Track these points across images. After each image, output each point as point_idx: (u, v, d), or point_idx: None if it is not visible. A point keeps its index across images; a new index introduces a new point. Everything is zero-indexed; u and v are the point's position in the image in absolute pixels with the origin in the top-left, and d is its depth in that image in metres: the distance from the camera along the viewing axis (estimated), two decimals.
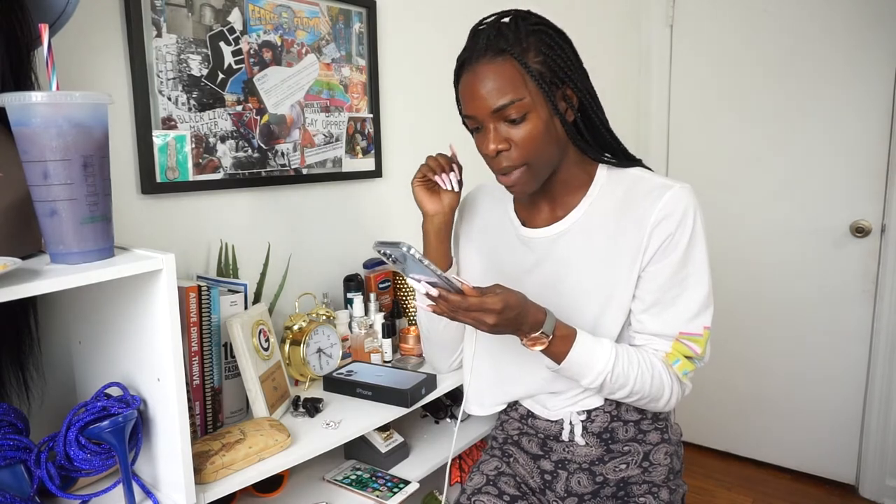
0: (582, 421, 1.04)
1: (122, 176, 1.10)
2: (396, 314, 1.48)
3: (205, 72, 1.19)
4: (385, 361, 1.35)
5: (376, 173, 1.57)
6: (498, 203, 1.11)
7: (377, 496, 1.14)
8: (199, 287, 1.01)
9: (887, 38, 1.97)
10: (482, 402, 1.13)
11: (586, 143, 0.97)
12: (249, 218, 1.32)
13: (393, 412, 1.14)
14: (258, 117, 1.29)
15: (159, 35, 1.12)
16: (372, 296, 1.42)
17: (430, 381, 1.21)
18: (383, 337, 1.35)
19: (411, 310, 1.48)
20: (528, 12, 0.93)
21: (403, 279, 1.49)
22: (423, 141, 1.69)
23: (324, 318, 1.29)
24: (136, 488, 0.84)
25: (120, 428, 0.78)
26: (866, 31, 2.00)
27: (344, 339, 1.34)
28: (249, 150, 1.29)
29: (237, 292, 1.11)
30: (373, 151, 1.56)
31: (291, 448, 0.99)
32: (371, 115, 1.54)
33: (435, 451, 1.32)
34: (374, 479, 1.20)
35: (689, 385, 1.01)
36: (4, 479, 0.77)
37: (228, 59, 1.23)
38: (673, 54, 2.43)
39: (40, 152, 0.69)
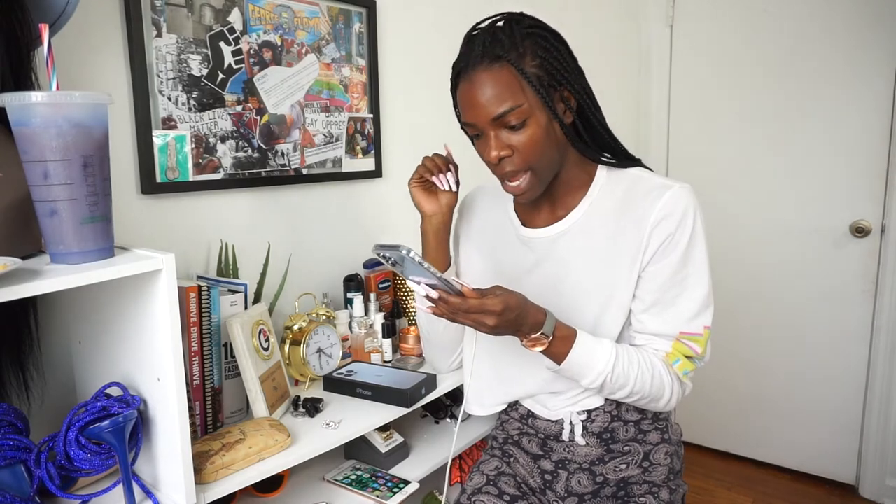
0: (582, 421, 1.04)
1: (122, 176, 1.10)
2: (396, 314, 1.48)
3: (205, 72, 1.19)
4: (385, 361, 1.35)
5: (376, 173, 1.57)
6: (498, 203, 1.11)
7: (377, 496, 1.14)
8: (199, 287, 1.01)
9: (887, 37, 1.97)
10: (482, 403, 1.14)
11: (585, 144, 0.97)
12: (249, 218, 1.32)
13: (393, 412, 1.14)
14: (258, 117, 1.29)
15: (159, 35, 1.12)
16: (372, 296, 1.42)
17: (430, 381, 1.21)
18: (383, 337, 1.35)
19: (411, 310, 1.48)
20: (522, 14, 0.93)
21: (403, 279, 1.49)
22: (423, 141, 1.69)
23: (324, 318, 1.29)
24: (136, 488, 0.84)
25: (120, 428, 0.78)
26: (866, 31, 2.00)
27: (344, 339, 1.34)
28: (249, 150, 1.29)
29: (237, 292, 1.11)
30: (373, 151, 1.56)
31: (291, 448, 0.99)
32: (371, 115, 1.54)
33: (435, 451, 1.32)
34: (374, 479, 1.20)
35: (690, 385, 1.01)
36: (4, 479, 0.77)
37: (228, 59, 1.23)
38: (673, 54, 2.43)
39: (40, 152, 0.69)
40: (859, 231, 2.08)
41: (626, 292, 0.97)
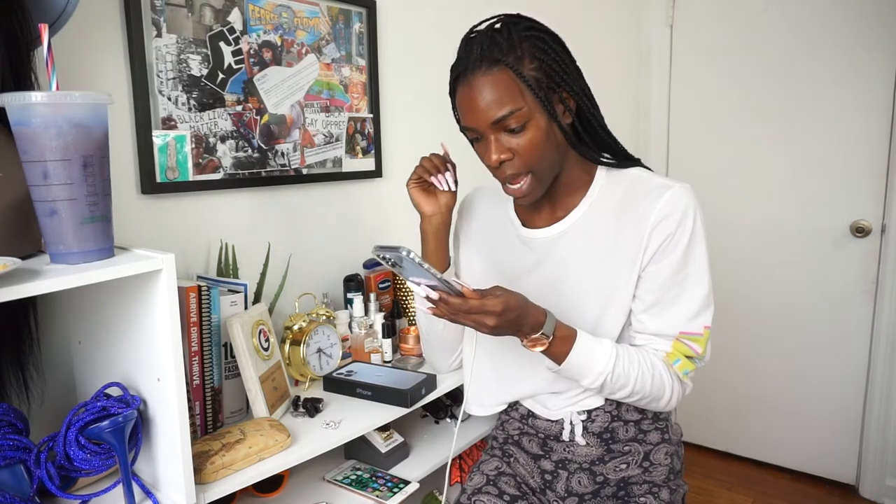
0: (582, 421, 1.04)
1: (122, 176, 1.10)
2: (396, 314, 1.48)
3: (205, 72, 1.19)
4: (385, 361, 1.35)
5: (376, 173, 1.57)
6: (497, 204, 1.11)
7: (377, 496, 1.14)
8: (199, 287, 1.01)
9: (887, 37, 1.97)
10: (482, 403, 1.14)
11: (585, 145, 0.97)
12: (249, 218, 1.32)
13: (393, 412, 1.14)
14: (258, 117, 1.29)
15: (159, 35, 1.12)
16: (372, 296, 1.42)
17: (430, 381, 1.21)
18: (383, 337, 1.35)
19: (411, 310, 1.48)
20: (519, 16, 0.92)
21: (403, 280, 1.49)
22: (423, 141, 1.69)
23: (324, 318, 1.29)
24: (135, 488, 0.84)
25: (120, 428, 0.78)
26: (866, 31, 2.00)
27: (344, 339, 1.34)
28: (249, 150, 1.29)
29: (237, 292, 1.11)
30: (373, 151, 1.56)
31: (291, 448, 0.99)
32: (371, 115, 1.54)
33: (435, 451, 1.32)
34: (374, 479, 1.20)
35: (690, 385, 1.01)
36: (4, 479, 0.77)
37: (228, 59, 1.23)
38: (673, 54, 2.43)
39: (40, 152, 0.69)
40: (859, 231, 2.08)
41: (627, 292, 0.97)
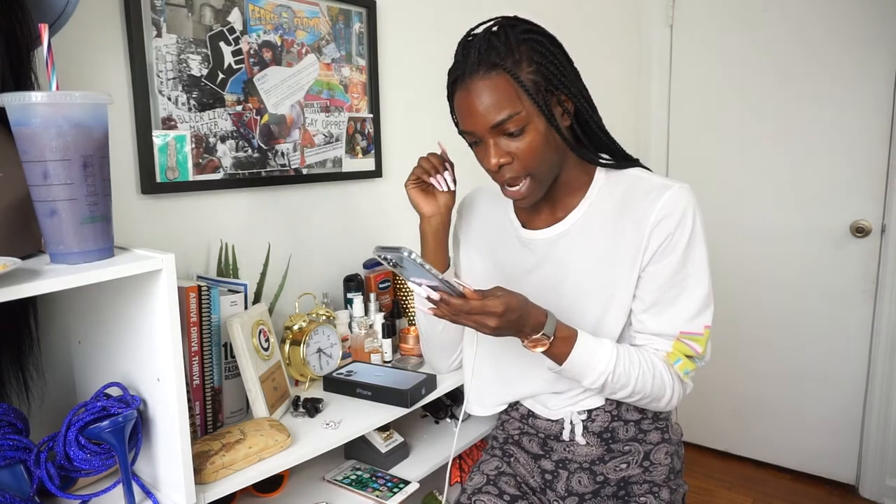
0: (582, 420, 1.04)
1: (122, 176, 1.10)
2: (396, 314, 1.48)
3: (205, 72, 1.19)
4: (385, 361, 1.35)
5: (376, 173, 1.57)
6: (497, 204, 1.11)
7: (377, 496, 1.14)
8: (199, 287, 1.01)
9: (888, 37, 1.97)
10: (483, 403, 1.14)
11: (583, 147, 0.97)
12: (249, 218, 1.32)
13: (393, 412, 1.14)
14: (258, 117, 1.29)
15: (159, 35, 1.12)
16: (372, 296, 1.42)
17: (430, 382, 1.21)
18: (383, 337, 1.35)
19: (411, 310, 1.48)
20: (516, 18, 0.92)
21: (403, 280, 1.49)
22: (423, 141, 1.69)
23: (324, 318, 1.29)
24: (135, 488, 0.84)
25: (120, 428, 0.78)
26: (866, 32, 2.00)
27: (344, 339, 1.34)
28: (249, 150, 1.29)
29: (237, 292, 1.11)
30: (373, 151, 1.56)
31: (291, 448, 0.99)
32: (371, 115, 1.54)
33: (435, 451, 1.32)
34: (374, 479, 1.20)
35: (690, 384, 1.01)
36: (4, 479, 0.77)
37: (228, 59, 1.23)
38: (673, 54, 2.43)
39: (40, 152, 0.69)
40: (859, 231, 2.08)
41: (627, 292, 0.97)
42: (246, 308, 1.12)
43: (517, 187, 0.94)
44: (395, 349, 1.41)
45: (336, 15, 1.44)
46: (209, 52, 1.20)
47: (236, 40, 1.24)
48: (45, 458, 0.79)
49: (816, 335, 2.22)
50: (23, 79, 0.82)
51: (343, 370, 1.25)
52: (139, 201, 1.14)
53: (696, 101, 2.39)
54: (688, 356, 0.95)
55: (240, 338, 1.04)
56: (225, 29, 1.22)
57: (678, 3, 2.38)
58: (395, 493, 1.15)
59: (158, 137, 1.14)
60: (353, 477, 1.21)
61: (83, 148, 0.70)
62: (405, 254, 0.78)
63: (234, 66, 1.24)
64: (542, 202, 1.03)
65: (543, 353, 0.92)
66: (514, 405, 1.14)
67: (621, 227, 0.96)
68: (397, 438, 1.29)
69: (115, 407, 0.80)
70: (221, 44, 1.22)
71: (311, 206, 1.44)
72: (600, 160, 1.00)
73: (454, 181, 1.05)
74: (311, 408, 1.11)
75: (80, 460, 0.79)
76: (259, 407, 1.05)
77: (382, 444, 1.25)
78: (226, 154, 1.25)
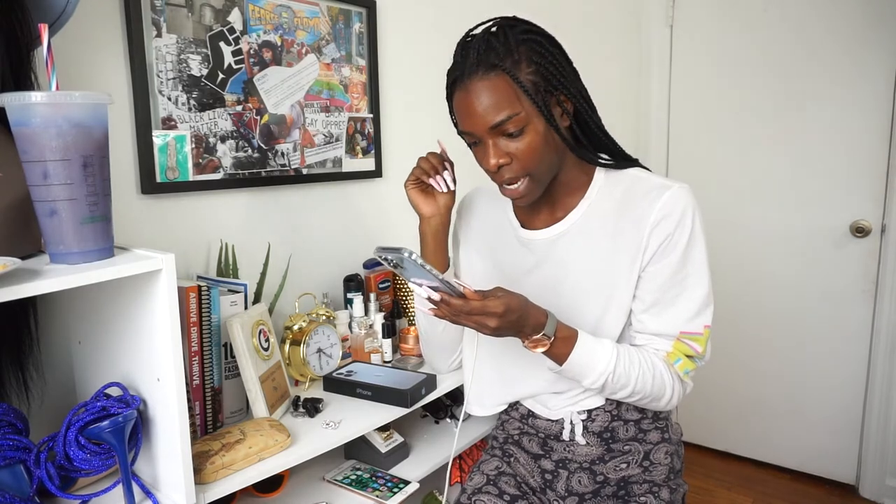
0: (582, 420, 1.04)
1: (122, 176, 1.10)
2: (396, 314, 1.48)
3: (205, 72, 1.19)
4: (385, 361, 1.35)
5: (376, 173, 1.57)
6: (497, 205, 1.11)
7: (377, 496, 1.14)
8: (199, 287, 1.01)
9: (888, 37, 1.97)
10: (484, 403, 1.14)
11: (583, 147, 0.97)
12: (249, 218, 1.32)
13: (393, 412, 1.14)
14: (258, 117, 1.29)
15: (159, 35, 1.12)
16: (372, 296, 1.42)
17: (430, 382, 1.21)
18: (383, 337, 1.35)
19: (411, 310, 1.48)
20: (515, 19, 0.92)
21: (403, 280, 1.49)
22: (423, 141, 1.69)
23: (324, 318, 1.29)
24: (135, 488, 0.84)
25: (120, 428, 0.78)
26: (866, 32, 2.00)
27: (344, 339, 1.34)
28: (249, 150, 1.29)
29: (237, 292, 1.11)
30: (373, 151, 1.56)
31: (291, 448, 0.99)
32: (371, 115, 1.54)
33: (435, 451, 1.32)
34: (374, 479, 1.20)
35: (690, 384, 1.01)
36: (4, 479, 0.77)
37: (228, 59, 1.23)
38: (673, 54, 2.43)
39: (40, 152, 0.69)
40: (859, 231, 2.07)
41: (626, 293, 0.97)
42: (246, 308, 1.12)
43: (515, 186, 0.94)
44: (395, 349, 1.41)
45: (336, 15, 1.44)
46: (209, 52, 1.20)
47: (236, 40, 1.24)
48: (45, 458, 0.79)
49: (816, 335, 2.22)
50: (23, 79, 0.82)
51: (343, 370, 1.25)
52: (139, 201, 1.14)
53: (696, 101, 2.39)
54: (688, 356, 0.95)
55: (240, 338, 1.04)
56: (225, 29, 1.22)
57: (678, 3, 2.38)
58: (395, 493, 1.15)
59: (158, 137, 1.14)
60: (353, 477, 1.21)
61: (83, 148, 0.70)
62: (406, 254, 0.78)
63: (234, 66, 1.24)
64: (542, 202, 1.03)
65: (544, 353, 0.92)
66: (514, 405, 1.14)
67: (621, 227, 0.96)
68: (397, 438, 1.29)
69: (115, 407, 0.80)
70: (221, 44, 1.22)
71: (311, 206, 1.44)
72: (600, 160, 1.00)
73: (454, 181, 1.05)
74: (311, 408, 1.11)
75: (80, 460, 0.79)
76: (259, 407, 1.05)
77: (382, 444, 1.25)
78: (226, 154, 1.25)
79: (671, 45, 2.42)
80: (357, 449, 1.27)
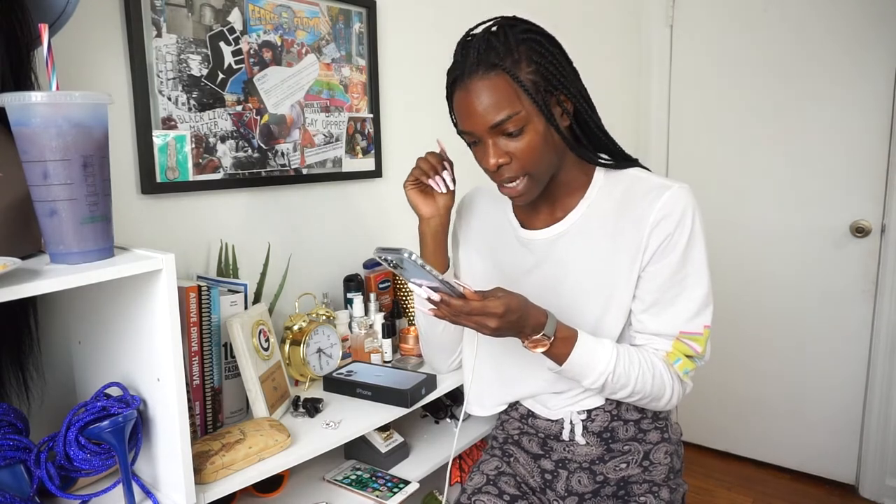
0: (582, 420, 1.04)
1: (122, 176, 1.10)
2: (396, 314, 1.48)
3: (205, 72, 1.19)
4: (385, 361, 1.35)
5: (376, 173, 1.57)
6: (496, 204, 1.11)
7: (377, 496, 1.14)
8: (199, 287, 1.01)
9: (888, 37, 1.97)
10: (483, 403, 1.14)
11: (582, 147, 0.97)
12: (249, 218, 1.32)
13: (393, 412, 1.14)
14: (258, 117, 1.29)
15: (159, 35, 1.12)
16: (372, 296, 1.42)
17: (430, 382, 1.21)
18: (383, 337, 1.35)
19: (411, 310, 1.48)
20: (515, 18, 0.92)
21: (403, 280, 1.49)
22: (423, 141, 1.69)
23: (324, 318, 1.29)
24: (135, 488, 0.84)
25: (120, 428, 0.78)
26: (866, 31, 2.00)
27: (344, 339, 1.34)
28: (249, 150, 1.29)
29: (237, 292, 1.11)
30: (373, 151, 1.56)
31: (291, 448, 0.99)
32: (371, 115, 1.54)
33: (435, 451, 1.32)
34: (374, 479, 1.20)
35: (690, 384, 1.01)
36: (4, 479, 0.77)
37: (228, 59, 1.23)
38: (673, 54, 2.43)
39: (40, 152, 0.69)
40: (859, 231, 2.07)
41: (626, 292, 0.97)
42: (246, 308, 1.12)
43: (514, 185, 0.94)
44: (395, 349, 1.41)
45: (336, 15, 1.44)
46: (209, 52, 1.20)
47: (236, 40, 1.24)
48: (45, 458, 0.79)
49: (816, 335, 2.22)
50: (23, 79, 0.82)
51: (343, 370, 1.25)
52: (139, 201, 1.14)
53: (696, 101, 2.39)
54: (687, 356, 0.95)
55: (240, 338, 1.04)
56: (225, 29, 1.22)
57: (678, 3, 2.38)
58: (395, 493, 1.15)
59: (158, 137, 1.14)
60: (353, 477, 1.21)
61: (83, 148, 0.70)
62: (405, 255, 0.78)
63: (234, 66, 1.24)
64: (542, 202, 1.03)
65: (544, 353, 0.92)
66: (514, 405, 1.14)
67: (621, 227, 0.96)
68: (397, 438, 1.29)
69: (115, 407, 0.80)
70: (221, 44, 1.22)
71: (311, 206, 1.44)
72: (600, 160, 1.00)
73: (453, 180, 1.04)
74: (311, 408, 1.11)
75: (80, 460, 0.79)
76: (259, 407, 1.05)
77: (382, 444, 1.25)
78: (226, 154, 1.25)
79: (671, 45, 2.42)
80: (357, 449, 1.27)
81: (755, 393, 2.38)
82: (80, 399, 0.99)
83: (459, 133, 0.95)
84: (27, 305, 0.92)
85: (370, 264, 1.51)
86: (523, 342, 0.92)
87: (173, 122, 1.16)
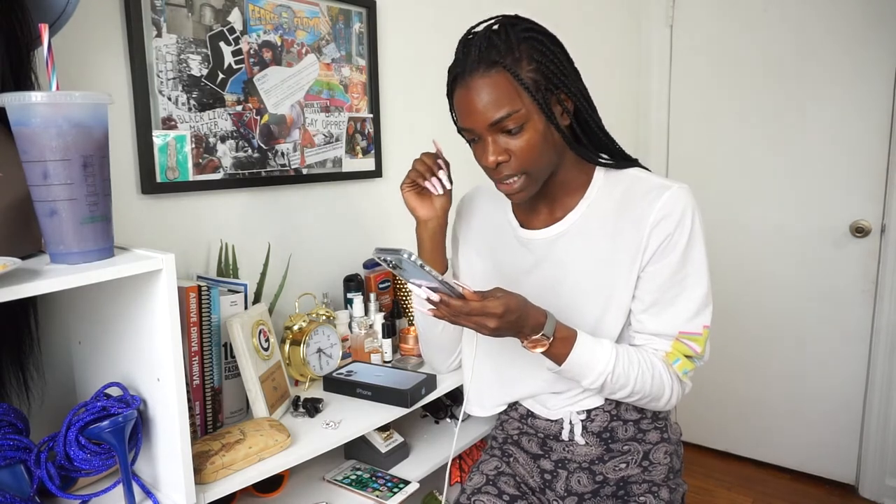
0: (582, 420, 1.04)
1: (122, 176, 1.10)
2: (396, 314, 1.48)
3: (205, 72, 1.20)
4: (385, 361, 1.35)
5: (376, 173, 1.57)
6: (496, 204, 1.11)
7: (377, 496, 1.14)
8: (199, 287, 1.01)
9: (887, 37, 1.97)
10: (483, 404, 1.14)
11: (582, 147, 0.97)
12: (249, 218, 1.32)
13: (393, 412, 1.14)
14: (258, 117, 1.29)
15: (159, 35, 1.12)
16: (372, 296, 1.42)
17: (430, 382, 1.21)
18: (383, 337, 1.35)
19: (411, 310, 1.48)
20: (517, 17, 0.92)
21: (403, 280, 1.49)
22: (423, 141, 1.69)
23: (324, 318, 1.29)
24: (136, 488, 0.84)
25: (120, 428, 0.78)
26: (866, 31, 2.00)
27: (344, 339, 1.34)
28: (249, 150, 1.29)
29: (237, 292, 1.11)
30: (373, 151, 1.56)
31: (291, 448, 0.99)
32: (371, 115, 1.54)
33: (435, 451, 1.32)
34: (374, 479, 1.20)
35: (689, 384, 1.01)
36: (4, 479, 0.77)
37: (228, 59, 1.23)
38: (673, 54, 2.43)
39: (40, 152, 0.69)
40: (859, 231, 2.08)
41: (626, 293, 0.97)
42: (246, 308, 1.12)
43: (511, 181, 0.93)
44: (395, 349, 1.41)
45: (336, 15, 1.44)
46: (209, 52, 1.20)
47: (236, 40, 1.24)
48: (46, 458, 0.79)
49: (816, 335, 2.22)
50: (23, 79, 0.82)
51: (343, 370, 1.25)
52: (139, 201, 1.14)
53: (696, 101, 2.39)
54: (687, 356, 0.95)
55: (240, 338, 1.04)
56: (225, 29, 1.22)
57: (678, 3, 2.38)
58: (395, 493, 1.15)
59: (158, 137, 1.14)
60: (353, 477, 1.21)
61: (83, 148, 0.70)
62: (404, 255, 0.78)
63: (234, 66, 1.24)
64: (541, 202, 1.03)
65: (543, 353, 0.92)
66: (514, 405, 1.14)
67: (620, 227, 0.96)
68: (397, 438, 1.29)
69: (115, 407, 0.80)
70: (221, 44, 1.22)
71: (311, 207, 1.44)
72: (599, 160, 1.00)
73: (450, 181, 1.03)
74: (311, 408, 1.11)
75: (81, 460, 0.79)
76: (259, 407, 1.05)
77: (382, 444, 1.25)
78: (226, 154, 1.25)
79: (671, 45, 2.42)
80: (357, 449, 1.27)
81: (755, 393, 2.38)
82: (80, 399, 0.99)
83: (459, 131, 0.95)
84: (27, 305, 0.92)
85: (370, 264, 1.51)
86: (522, 342, 0.92)
87: (173, 122, 1.16)
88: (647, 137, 2.51)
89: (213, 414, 1.05)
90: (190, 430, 0.82)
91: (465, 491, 1.07)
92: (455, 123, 0.96)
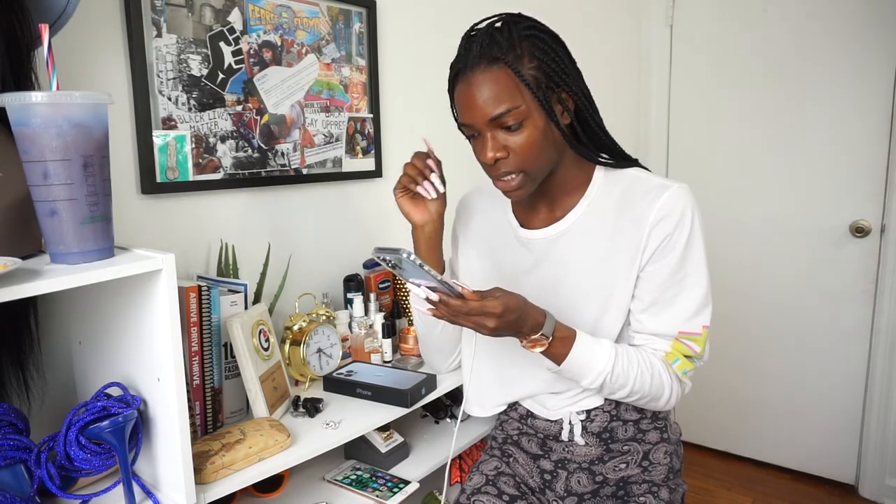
0: (581, 420, 1.04)
1: (122, 176, 1.10)
2: (396, 314, 1.48)
3: (205, 72, 1.20)
4: (385, 361, 1.35)
5: (376, 173, 1.57)
6: (496, 204, 1.11)
7: (377, 496, 1.14)
8: (199, 287, 1.01)
9: (887, 37, 1.97)
10: (482, 404, 1.14)
11: (582, 146, 0.97)
12: (250, 218, 1.32)
13: (393, 412, 1.14)
14: (258, 117, 1.29)
15: (159, 35, 1.12)
16: (372, 296, 1.42)
17: (430, 382, 1.21)
18: (383, 337, 1.35)
19: (411, 310, 1.48)
20: (520, 15, 0.92)
21: (403, 280, 1.49)
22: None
23: (324, 318, 1.29)
24: (136, 488, 0.84)
25: (120, 428, 0.78)
26: (866, 31, 2.00)
27: (344, 339, 1.34)
28: (249, 150, 1.29)
29: (237, 292, 1.11)
30: (373, 151, 1.56)
31: (291, 448, 0.99)
32: (371, 115, 1.54)
33: (435, 451, 1.32)
34: (374, 479, 1.20)
35: (689, 384, 1.01)
36: (4, 479, 0.77)
37: (228, 59, 1.23)
38: (673, 54, 2.43)
39: (40, 152, 0.69)
40: (859, 231, 2.08)
41: (625, 292, 0.97)
42: (246, 308, 1.12)
43: (508, 179, 0.93)
44: (395, 349, 1.41)
45: (336, 15, 1.44)
46: (209, 52, 1.20)
47: (236, 40, 1.24)
48: (46, 458, 0.79)
49: (816, 335, 2.22)
50: (23, 79, 0.82)
51: (343, 370, 1.25)
52: (139, 201, 1.14)
53: (696, 101, 2.39)
54: (686, 356, 0.95)
55: (240, 338, 1.04)
56: (225, 29, 1.22)
57: (678, 3, 2.38)
58: (395, 493, 1.15)
59: (158, 137, 1.14)
60: (353, 477, 1.21)
61: (83, 148, 0.70)
62: (404, 255, 0.78)
63: (234, 66, 1.24)
64: (541, 202, 1.03)
65: (542, 353, 0.92)
66: (513, 405, 1.14)
67: (620, 226, 0.96)
68: (397, 438, 1.29)
69: (115, 407, 0.80)
70: (221, 44, 1.22)
71: (312, 207, 1.45)
72: (599, 159, 1.00)
73: (443, 182, 1.00)
74: (311, 408, 1.11)
75: (81, 460, 0.79)
76: (259, 407, 1.05)
77: (382, 444, 1.25)
78: (226, 154, 1.25)
79: (671, 45, 2.42)
80: (357, 449, 1.27)
81: (755, 393, 2.38)
82: (80, 399, 0.99)
83: (459, 127, 0.95)
84: (27, 305, 0.92)
85: (370, 264, 1.51)
86: (522, 342, 0.92)
87: (173, 122, 1.16)
88: (647, 137, 2.51)
89: (213, 414, 1.05)
90: (190, 430, 0.82)
91: (465, 491, 1.07)
92: (455, 119, 0.96)
